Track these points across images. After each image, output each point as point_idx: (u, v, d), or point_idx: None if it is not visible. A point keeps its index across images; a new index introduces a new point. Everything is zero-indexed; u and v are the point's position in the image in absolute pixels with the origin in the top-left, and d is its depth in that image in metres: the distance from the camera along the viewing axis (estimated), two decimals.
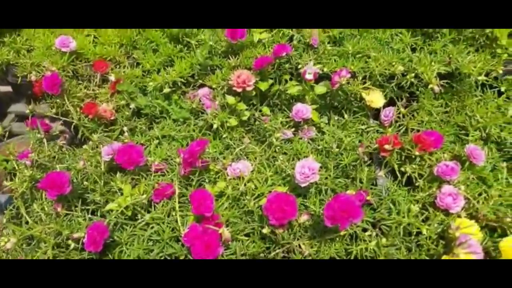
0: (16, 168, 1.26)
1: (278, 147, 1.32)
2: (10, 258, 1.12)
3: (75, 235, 1.08)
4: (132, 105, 1.42)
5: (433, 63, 1.33)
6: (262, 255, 1.12)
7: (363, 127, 1.37)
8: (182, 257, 1.10)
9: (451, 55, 1.34)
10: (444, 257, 0.96)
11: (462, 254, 0.93)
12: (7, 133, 1.37)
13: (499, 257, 1.02)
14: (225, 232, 1.06)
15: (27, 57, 1.55)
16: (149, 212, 1.19)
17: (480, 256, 0.93)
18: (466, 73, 1.32)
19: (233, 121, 1.36)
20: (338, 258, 1.09)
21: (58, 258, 1.08)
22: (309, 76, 1.29)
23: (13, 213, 1.25)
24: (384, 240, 1.06)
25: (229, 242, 1.09)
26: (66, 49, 1.50)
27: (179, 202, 1.17)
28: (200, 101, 1.42)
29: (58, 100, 1.44)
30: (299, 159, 1.31)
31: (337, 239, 1.11)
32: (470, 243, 0.92)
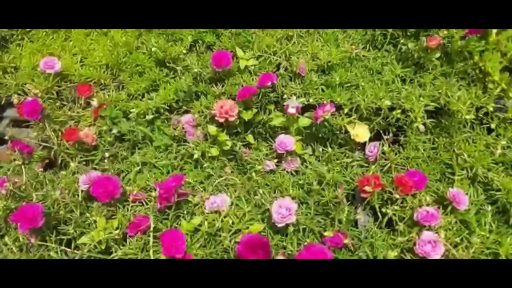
0: None
1: (260, 179, 1.30)
2: None
3: None
4: (114, 131, 1.40)
5: (421, 98, 1.29)
6: None
7: (347, 160, 1.33)
8: None
9: (440, 90, 1.30)
10: None
11: None
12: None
13: None
14: None
15: (12, 77, 1.53)
16: (123, 245, 1.17)
17: None
18: (455, 111, 1.28)
19: (214, 151, 1.34)
20: None
21: None
22: (291, 110, 1.26)
23: None
24: None
25: None
26: (51, 71, 1.48)
27: (153, 238, 1.15)
28: (183, 128, 1.39)
29: (40, 124, 1.42)
30: (280, 192, 1.29)
31: None
32: None
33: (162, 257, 1.12)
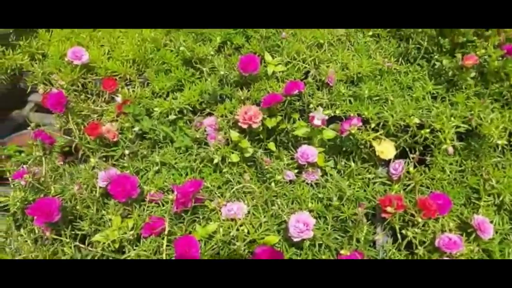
0: (11, 186, 1.26)
1: (278, 189, 1.27)
2: None
3: None
4: (136, 128, 1.39)
5: (452, 118, 1.24)
6: None
7: (370, 176, 1.30)
8: None
9: (473, 112, 1.25)
10: None
11: None
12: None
13: None
14: None
15: (39, 65, 1.53)
16: (137, 246, 1.17)
17: None
18: (486, 134, 1.23)
19: (234, 157, 1.32)
20: None
21: None
22: (317, 122, 1.23)
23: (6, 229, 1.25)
24: None
25: None
26: (78, 62, 1.48)
27: (167, 241, 1.14)
28: (205, 130, 1.38)
29: (64, 116, 1.42)
30: (298, 203, 1.26)
31: None
32: None
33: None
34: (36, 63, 1.56)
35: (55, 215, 1.12)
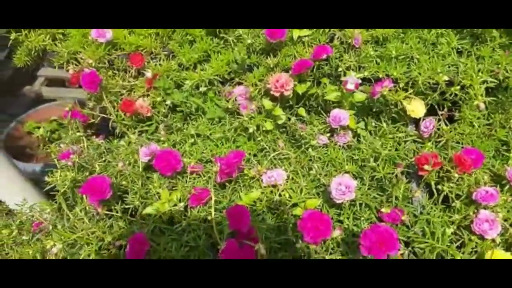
0: (58, 167, 1.30)
1: (314, 154, 1.32)
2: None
3: (117, 243, 1.13)
4: (168, 102, 1.42)
5: (480, 74, 1.27)
6: None
7: (401, 135, 1.34)
8: None
9: (500, 65, 1.28)
10: None
11: None
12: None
13: None
14: (261, 249, 1.09)
15: (63, 45, 1.54)
16: (185, 216, 1.22)
17: None
18: None
19: (268, 125, 1.36)
20: None
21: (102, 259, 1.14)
22: (350, 87, 1.26)
23: (56, 209, 1.30)
24: None
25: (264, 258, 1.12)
26: (102, 39, 1.48)
27: (214, 209, 1.20)
28: (235, 100, 1.41)
29: (95, 98, 1.44)
30: (334, 166, 1.31)
31: (369, 256, 1.13)
32: None
33: (225, 230, 1.17)
34: (59, 43, 1.56)
35: (107, 192, 1.17)
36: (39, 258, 1.25)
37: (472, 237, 1.11)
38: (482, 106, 1.21)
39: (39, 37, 1.56)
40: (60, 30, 1.61)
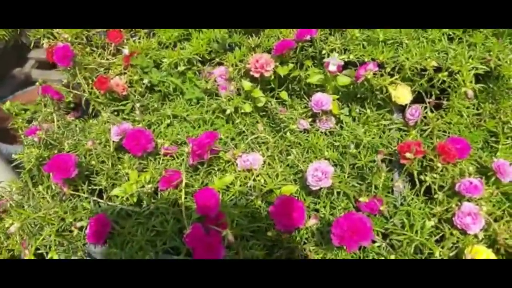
0: (24, 143, 1.24)
1: (293, 138, 1.26)
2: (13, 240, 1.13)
3: (78, 224, 1.07)
4: (145, 81, 1.36)
5: (470, 60, 1.21)
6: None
7: (385, 122, 1.28)
8: (184, 252, 1.08)
9: (491, 52, 1.22)
10: None
11: None
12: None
13: None
14: (229, 235, 1.03)
15: None
16: (154, 199, 1.17)
17: None
18: (505, 75, 1.20)
19: (247, 107, 1.30)
20: None
21: (60, 244, 1.08)
22: (332, 68, 1.20)
23: (22, 187, 1.25)
24: (393, 256, 1.02)
25: (233, 244, 1.06)
26: None
27: (185, 193, 1.15)
28: (215, 81, 1.35)
29: (71, 70, 1.38)
30: (314, 152, 1.25)
31: (344, 247, 1.08)
32: None
33: (194, 214, 1.11)
34: None
35: (72, 171, 1.12)
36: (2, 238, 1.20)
37: (454, 231, 1.05)
38: (471, 93, 1.14)
39: None
40: None
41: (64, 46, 1.29)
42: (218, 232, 1.02)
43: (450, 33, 1.32)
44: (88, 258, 1.13)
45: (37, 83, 1.31)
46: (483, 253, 0.96)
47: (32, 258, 1.05)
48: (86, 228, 1.07)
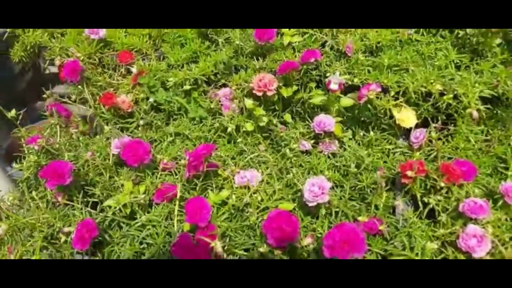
0: (25, 151, 1.25)
1: (294, 159, 1.24)
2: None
3: (65, 229, 1.05)
4: (151, 99, 1.38)
5: (476, 84, 1.18)
6: None
7: (389, 146, 1.25)
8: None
9: (499, 78, 1.19)
10: None
11: None
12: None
13: None
14: (217, 246, 0.99)
15: (57, 41, 1.54)
16: (148, 213, 1.14)
17: None
18: None
19: (249, 126, 1.29)
20: None
21: (46, 251, 1.05)
22: (334, 87, 1.19)
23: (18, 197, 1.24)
24: None
25: (221, 258, 1.02)
26: (95, 36, 1.48)
27: (179, 206, 1.12)
28: (219, 101, 1.35)
29: (79, 87, 1.42)
30: (315, 173, 1.22)
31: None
32: None
33: (185, 227, 1.08)
34: (56, 40, 1.57)
35: (66, 178, 1.11)
36: None
37: (458, 255, 0.98)
38: (475, 114, 1.11)
39: (36, 33, 1.57)
40: (59, 30, 1.62)
41: (74, 61, 1.33)
42: (207, 243, 0.98)
43: (457, 60, 1.31)
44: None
45: (45, 95, 1.34)
46: None
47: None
48: (73, 235, 1.04)
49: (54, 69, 1.89)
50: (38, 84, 1.72)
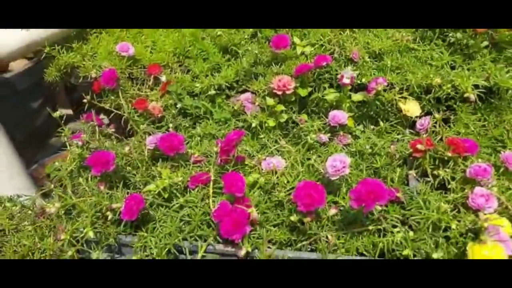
0: (68, 148, 1.37)
1: (313, 149, 1.37)
2: (52, 224, 1.21)
3: (114, 205, 1.15)
4: (179, 105, 1.52)
5: (471, 77, 1.35)
6: (288, 248, 1.14)
7: (398, 136, 1.39)
8: (211, 239, 1.14)
9: (490, 72, 1.36)
10: (470, 244, 0.95)
11: (489, 241, 0.91)
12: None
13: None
14: (254, 212, 1.10)
15: (91, 59, 1.70)
16: (184, 195, 1.25)
17: (508, 244, 0.91)
18: (505, 88, 1.33)
19: (271, 122, 1.43)
20: (364, 251, 1.10)
21: (95, 230, 1.14)
22: (346, 81, 1.35)
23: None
24: (411, 233, 1.06)
25: (257, 224, 1.12)
26: (125, 54, 1.64)
27: (213, 190, 1.23)
28: (242, 104, 1.50)
29: (112, 97, 1.56)
30: None
31: (365, 233, 1.12)
32: (498, 231, 0.91)
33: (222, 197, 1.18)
34: (88, 60, 1.73)
35: (111, 165, 1.22)
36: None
37: (468, 213, 1.09)
38: (472, 97, 1.27)
39: (70, 55, 1.73)
40: (90, 52, 1.78)
41: (111, 69, 1.48)
42: (244, 210, 1.09)
43: (451, 61, 1.48)
44: (116, 246, 1.18)
45: (84, 100, 1.47)
46: (503, 222, 1.00)
47: (68, 238, 1.11)
48: (120, 211, 1.14)
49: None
50: (55, 121, 1.86)
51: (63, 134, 1.41)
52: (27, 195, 1.36)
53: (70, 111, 2.86)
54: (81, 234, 1.13)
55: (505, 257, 0.90)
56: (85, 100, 1.47)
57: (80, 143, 1.33)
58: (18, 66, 2.55)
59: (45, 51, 1.67)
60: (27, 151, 3.11)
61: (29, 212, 1.35)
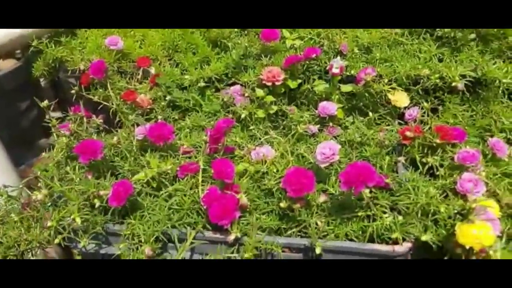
0: (55, 138, 1.36)
1: (303, 140, 1.37)
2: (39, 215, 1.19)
3: (101, 192, 1.14)
4: (168, 97, 1.52)
5: (458, 67, 1.36)
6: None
7: (387, 127, 1.39)
8: (200, 226, 1.13)
9: (477, 63, 1.38)
10: (458, 224, 0.95)
11: (477, 221, 0.91)
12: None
13: None
14: (243, 198, 1.09)
15: (79, 52, 1.70)
16: (173, 184, 1.24)
17: (496, 223, 0.91)
18: (492, 78, 1.34)
19: (260, 113, 1.43)
20: (354, 236, 1.09)
21: (83, 218, 1.12)
22: (336, 70, 1.36)
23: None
24: (400, 218, 1.06)
25: (246, 210, 1.12)
26: (114, 47, 1.64)
27: (202, 178, 1.22)
28: (231, 96, 1.50)
29: (100, 90, 1.55)
30: None
31: (354, 219, 1.12)
32: (485, 211, 0.91)
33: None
34: (76, 53, 1.72)
35: (98, 153, 1.21)
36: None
37: (457, 198, 1.09)
38: (461, 86, 1.28)
39: (58, 49, 1.72)
40: (79, 47, 1.77)
41: (100, 61, 1.48)
42: (233, 195, 1.09)
43: (439, 54, 1.49)
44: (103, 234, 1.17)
45: (72, 91, 1.46)
46: (491, 203, 1.00)
47: (54, 225, 1.10)
48: (107, 198, 1.13)
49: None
50: (42, 122, 1.85)
51: (50, 123, 1.39)
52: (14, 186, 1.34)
53: (58, 114, 2.85)
54: (68, 221, 1.11)
55: (493, 236, 0.91)
56: (73, 91, 1.45)
57: (67, 133, 1.31)
58: (6, 66, 2.53)
59: (33, 45, 1.65)
60: (14, 152, 3.07)
61: (16, 205, 1.33)
